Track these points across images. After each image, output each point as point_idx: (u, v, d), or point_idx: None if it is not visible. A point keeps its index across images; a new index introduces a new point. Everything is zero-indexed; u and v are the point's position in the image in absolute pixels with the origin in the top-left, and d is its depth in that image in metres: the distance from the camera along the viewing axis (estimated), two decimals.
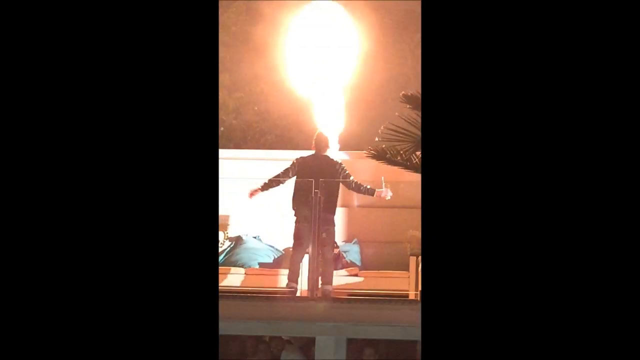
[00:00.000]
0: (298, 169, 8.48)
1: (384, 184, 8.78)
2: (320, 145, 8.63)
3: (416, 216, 8.64)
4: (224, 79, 13.60)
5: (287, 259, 8.92)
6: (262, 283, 8.81)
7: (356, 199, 9.22)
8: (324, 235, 8.31)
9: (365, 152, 8.07)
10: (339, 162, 8.54)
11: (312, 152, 8.67)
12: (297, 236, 8.35)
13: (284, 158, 9.73)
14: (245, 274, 8.91)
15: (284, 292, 8.56)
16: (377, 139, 7.72)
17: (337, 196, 8.47)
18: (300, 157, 8.65)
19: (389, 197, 8.59)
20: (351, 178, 8.43)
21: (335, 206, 8.46)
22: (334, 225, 8.49)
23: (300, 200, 8.32)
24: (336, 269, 8.63)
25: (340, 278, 8.68)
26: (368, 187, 8.50)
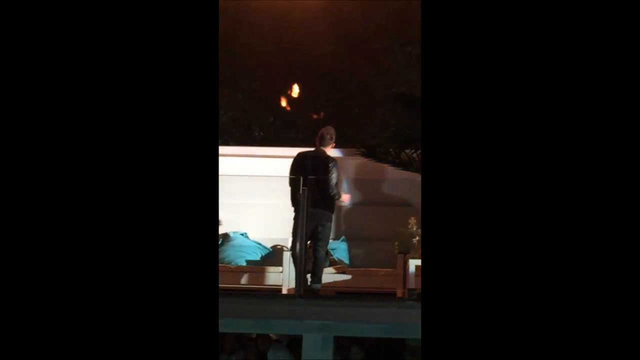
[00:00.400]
0: (297, 165, 8.42)
1: (346, 189, 8.85)
2: (321, 140, 8.54)
3: (404, 214, 8.72)
4: None
5: (275, 257, 8.89)
6: (249, 281, 8.77)
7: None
8: (319, 229, 8.26)
9: (355, 149, 8.05)
10: (334, 160, 8.43)
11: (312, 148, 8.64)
12: (296, 233, 8.28)
13: (271, 155, 9.71)
14: (232, 271, 8.86)
15: (271, 290, 8.54)
16: (366, 137, 7.72)
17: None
18: (298, 153, 8.59)
19: (347, 203, 8.66)
20: (333, 182, 8.32)
21: (333, 202, 8.39)
22: (331, 222, 8.43)
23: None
24: (323, 267, 8.59)
25: (328, 275, 8.65)
26: (338, 192, 8.45)
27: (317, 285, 8.32)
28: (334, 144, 8.61)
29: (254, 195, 9.17)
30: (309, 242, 8.27)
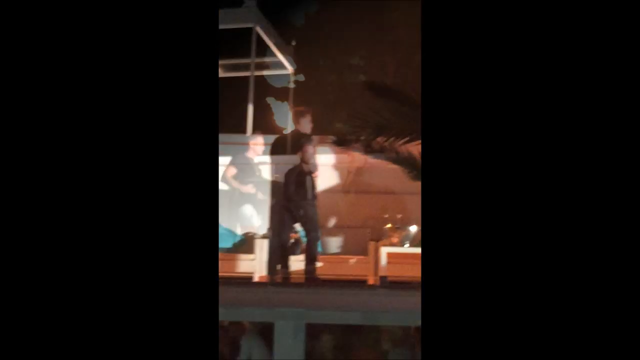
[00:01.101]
0: (274, 151, 8.45)
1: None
2: (296, 120, 8.56)
3: (376, 201, 8.73)
4: None
5: (247, 244, 8.88)
6: (221, 268, 8.74)
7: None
8: (301, 212, 8.22)
9: (327, 136, 8.04)
10: (306, 136, 8.41)
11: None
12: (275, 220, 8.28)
13: (239, 142, 9.68)
14: None
15: (243, 277, 8.53)
16: (338, 125, 7.73)
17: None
18: (275, 139, 8.62)
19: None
20: (310, 157, 8.30)
21: (312, 184, 8.35)
22: (311, 201, 8.38)
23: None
24: (294, 254, 8.59)
25: (299, 263, 8.65)
26: (314, 163, 8.40)
27: (311, 268, 8.29)
28: (312, 124, 8.60)
29: (226, 182, 9.15)
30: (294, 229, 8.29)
